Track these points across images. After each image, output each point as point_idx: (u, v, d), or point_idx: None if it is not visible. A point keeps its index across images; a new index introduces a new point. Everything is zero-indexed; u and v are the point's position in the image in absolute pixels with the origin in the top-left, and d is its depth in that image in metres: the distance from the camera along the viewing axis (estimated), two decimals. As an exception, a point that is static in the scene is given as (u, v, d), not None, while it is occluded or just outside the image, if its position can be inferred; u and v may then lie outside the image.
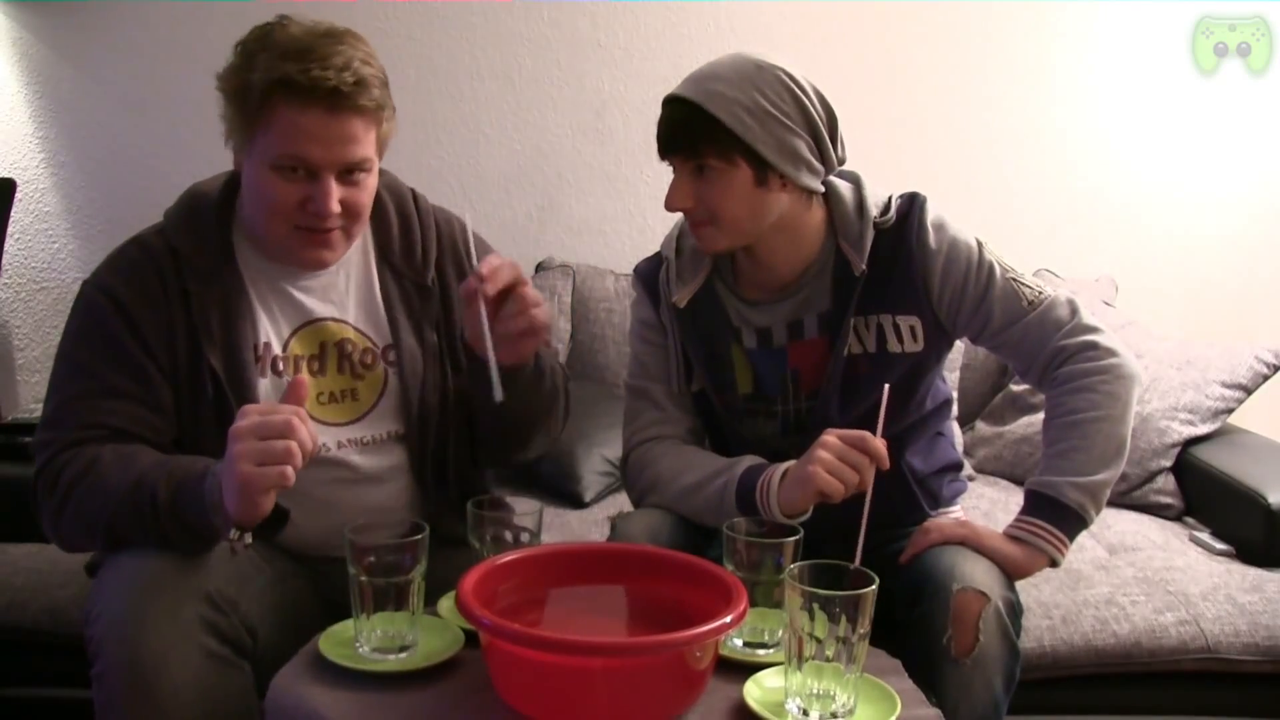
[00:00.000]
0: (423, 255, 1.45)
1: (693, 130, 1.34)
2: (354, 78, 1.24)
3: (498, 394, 1.22)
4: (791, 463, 1.32)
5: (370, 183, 1.33)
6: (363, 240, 1.44)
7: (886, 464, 1.24)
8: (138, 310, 1.31)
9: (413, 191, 1.50)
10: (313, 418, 1.34)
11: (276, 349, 1.37)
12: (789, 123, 1.34)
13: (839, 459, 1.24)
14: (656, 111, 1.38)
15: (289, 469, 1.10)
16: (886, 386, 1.24)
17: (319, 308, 1.40)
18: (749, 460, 1.39)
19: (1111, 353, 1.39)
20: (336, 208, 1.28)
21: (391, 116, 1.34)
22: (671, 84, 1.39)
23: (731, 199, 1.36)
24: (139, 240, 1.37)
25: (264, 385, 1.35)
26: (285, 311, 1.38)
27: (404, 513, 1.39)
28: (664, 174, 1.40)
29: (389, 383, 1.41)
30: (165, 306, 1.32)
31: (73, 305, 1.35)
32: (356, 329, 1.41)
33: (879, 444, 1.23)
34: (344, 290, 1.42)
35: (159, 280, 1.32)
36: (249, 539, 1.19)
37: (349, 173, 1.29)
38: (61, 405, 1.30)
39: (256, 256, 1.38)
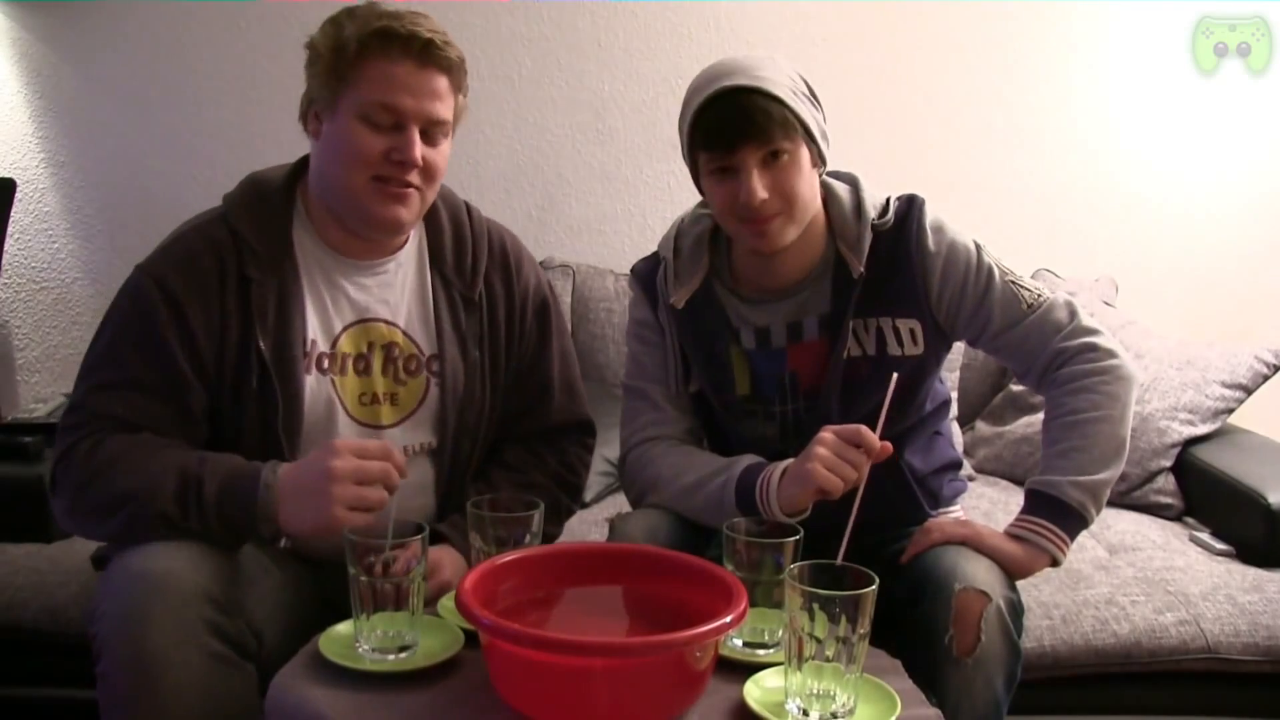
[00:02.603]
0: (472, 267, 1.47)
1: (767, 115, 1.32)
2: (443, 38, 1.32)
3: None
4: (790, 461, 1.32)
5: (445, 150, 1.37)
6: (418, 244, 1.45)
7: (876, 454, 1.24)
8: (189, 302, 1.30)
9: (466, 204, 1.51)
10: (352, 418, 1.37)
11: (323, 347, 1.37)
12: (814, 103, 1.38)
13: (836, 455, 1.24)
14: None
15: (373, 515, 1.18)
16: (895, 375, 1.23)
17: (374, 307, 1.41)
18: (748, 459, 1.39)
19: (1111, 354, 1.39)
20: (420, 158, 1.31)
21: (467, 94, 1.39)
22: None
23: (803, 180, 1.37)
24: (198, 227, 1.36)
25: (309, 381, 1.35)
26: (339, 306, 1.39)
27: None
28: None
29: (429, 392, 1.41)
30: (219, 296, 1.32)
31: (121, 287, 1.35)
32: (406, 334, 1.42)
33: (874, 437, 1.23)
34: (399, 292, 1.43)
35: (217, 269, 1.33)
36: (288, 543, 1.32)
37: (429, 132, 1.33)
38: (88, 393, 1.30)
39: (316, 247, 1.39)
